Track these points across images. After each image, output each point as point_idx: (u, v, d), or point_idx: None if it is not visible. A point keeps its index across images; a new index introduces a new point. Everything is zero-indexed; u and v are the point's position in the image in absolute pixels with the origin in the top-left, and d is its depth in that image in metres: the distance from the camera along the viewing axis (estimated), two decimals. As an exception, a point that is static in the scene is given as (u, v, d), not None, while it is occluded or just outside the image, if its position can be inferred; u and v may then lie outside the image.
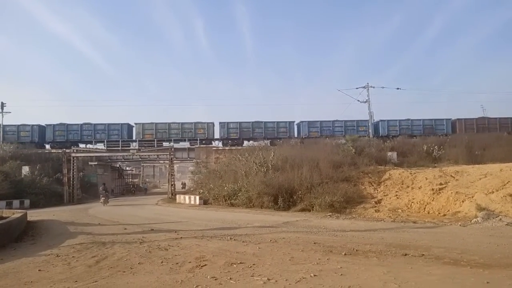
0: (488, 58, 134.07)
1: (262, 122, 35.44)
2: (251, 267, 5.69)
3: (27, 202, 23.63)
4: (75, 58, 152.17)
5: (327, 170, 17.77)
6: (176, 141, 35.24)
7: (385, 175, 17.96)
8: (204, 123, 35.37)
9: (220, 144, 35.19)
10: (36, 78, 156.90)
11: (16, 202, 22.67)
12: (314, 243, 7.63)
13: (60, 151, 31.63)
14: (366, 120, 35.42)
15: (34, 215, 15.43)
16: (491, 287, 4.36)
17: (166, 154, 32.65)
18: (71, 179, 29.12)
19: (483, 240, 7.61)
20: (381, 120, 35.62)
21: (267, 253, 6.77)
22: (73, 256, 7.06)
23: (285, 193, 16.19)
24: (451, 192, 13.39)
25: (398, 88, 41.27)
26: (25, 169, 27.98)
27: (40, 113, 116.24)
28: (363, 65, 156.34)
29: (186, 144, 35.10)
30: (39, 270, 6.00)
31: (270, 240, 8.16)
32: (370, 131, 34.13)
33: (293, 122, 36.03)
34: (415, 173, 17.49)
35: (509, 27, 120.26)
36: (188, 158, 36.25)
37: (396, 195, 15.54)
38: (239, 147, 32.99)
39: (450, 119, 35.78)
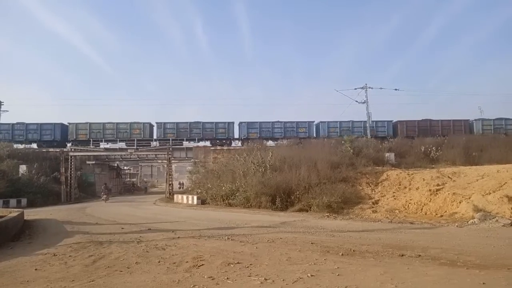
0: (486, 59, 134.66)
1: (200, 122, 34.94)
2: (248, 267, 5.70)
3: (24, 201, 23.57)
4: (73, 57, 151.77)
5: (325, 171, 17.80)
6: (111, 141, 34.68)
7: (383, 176, 18.01)
8: (141, 123, 34.64)
9: (157, 144, 34.24)
10: (34, 77, 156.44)
11: (13, 201, 22.62)
12: (312, 243, 7.65)
13: (57, 150, 31.55)
14: (306, 122, 35.33)
15: (31, 214, 15.38)
16: (487, 287, 4.38)
17: (164, 154, 32.64)
18: (69, 178, 29.09)
19: (479, 241, 7.64)
20: (321, 122, 35.47)
21: (264, 253, 6.78)
22: (70, 256, 7.05)
23: (283, 193, 16.21)
24: (448, 193, 13.43)
25: (396, 89, 41.57)
26: (23, 168, 27.89)
27: (37, 113, 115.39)
28: (362, 65, 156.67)
29: (122, 145, 34.39)
30: (36, 269, 5.99)
31: (268, 240, 8.16)
32: (368, 132, 34.17)
33: (232, 122, 35.37)
34: (412, 174, 17.55)
35: (507, 28, 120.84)
36: (186, 158, 36.23)
37: (394, 196, 15.58)
38: (231, 147, 33.13)
39: (391, 121, 35.78)
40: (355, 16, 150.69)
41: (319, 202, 14.65)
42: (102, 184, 33.49)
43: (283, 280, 4.87)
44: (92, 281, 5.14)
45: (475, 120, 35.80)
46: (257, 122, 35.34)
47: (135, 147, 33.59)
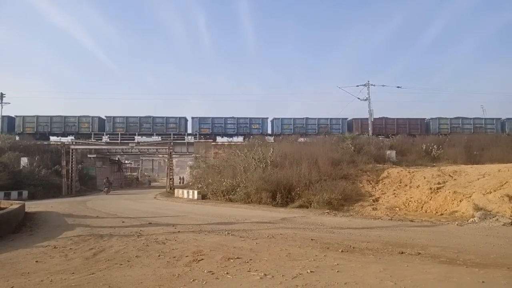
0: (489, 59, 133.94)
1: (150, 117, 34.51)
2: (248, 262, 5.70)
3: (25, 193, 23.66)
4: (75, 50, 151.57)
5: (325, 168, 17.79)
6: (58, 135, 34.32)
7: (384, 174, 18.00)
8: (89, 116, 34.12)
9: (107, 139, 33.91)
10: (35, 70, 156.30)
11: (14, 193, 22.70)
12: (311, 239, 7.65)
13: (59, 143, 31.60)
14: (259, 118, 35.03)
15: (32, 206, 15.44)
16: (486, 286, 4.38)
17: (165, 148, 32.67)
18: (70, 171, 29.17)
19: (479, 240, 7.64)
20: (275, 118, 35.26)
21: (264, 248, 6.79)
22: (70, 248, 7.08)
23: (283, 190, 16.21)
24: (449, 192, 13.42)
25: (398, 87, 41.13)
26: (24, 160, 27.99)
27: (36, 105, 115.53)
28: (365, 63, 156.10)
29: (70, 138, 33.71)
30: (37, 262, 6.01)
31: (268, 236, 8.17)
32: (370, 128, 34.10)
33: (184, 118, 35.03)
34: (413, 172, 17.52)
35: (510, 29, 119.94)
36: (187, 153, 36.26)
37: (394, 193, 15.58)
38: (232, 143, 33.09)
39: (346, 118, 35.58)
40: (358, 15, 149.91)
41: (319, 198, 14.65)
42: (104, 177, 34.07)
43: (282, 275, 4.87)
44: (92, 274, 5.16)
45: (431, 119, 35.55)
46: (209, 117, 34.93)
47: (135, 141, 33.60)
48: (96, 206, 17.43)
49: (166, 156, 34.33)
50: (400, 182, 16.60)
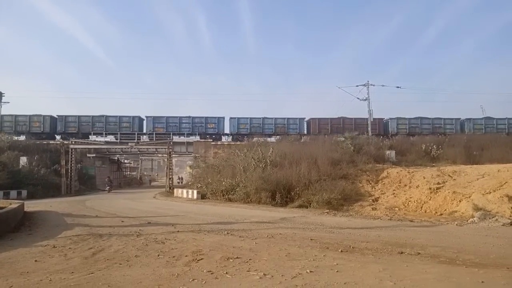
0: (489, 59, 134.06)
1: (103, 116, 33.29)
2: (247, 262, 5.70)
3: (24, 192, 23.61)
4: (75, 50, 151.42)
5: (325, 167, 17.79)
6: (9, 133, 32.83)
7: (383, 174, 18.00)
8: (41, 115, 32.91)
9: (59, 138, 33.10)
10: (34, 69, 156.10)
11: (13, 193, 22.64)
12: (311, 239, 7.65)
13: (58, 142, 31.55)
14: (216, 117, 34.19)
15: (31, 206, 15.41)
16: (486, 286, 4.38)
17: (165, 148, 32.64)
18: (69, 170, 29.13)
19: (479, 240, 7.64)
20: (231, 118, 34.58)
21: (263, 248, 6.78)
22: (69, 248, 7.06)
23: (283, 189, 16.21)
24: (448, 192, 13.43)
25: (398, 87, 41.14)
26: (23, 160, 27.92)
27: (33, 104, 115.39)
28: (365, 63, 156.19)
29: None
30: (36, 261, 6.00)
31: (267, 236, 8.17)
32: (369, 129, 34.08)
33: (138, 117, 34.19)
34: (413, 172, 17.53)
35: (510, 29, 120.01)
36: (187, 152, 36.21)
37: (394, 193, 15.58)
38: (232, 143, 32.78)
39: (303, 118, 35.25)
40: (358, 15, 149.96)
41: (319, 198, 14.65)
42: (104, 177, 34.37)
43: (282, 275, 4.87)
44: (92, 273, 5.15)
45: (390, 119, 35.27)
46: (164, 116, 34.15)
47: (135, 141, 33.57)
48: (95, 205, 17.41)
49: (166, 155, 34.29)
50: (400, 182, 16.61)
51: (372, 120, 34.73)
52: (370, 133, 33.18)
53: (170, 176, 30.73)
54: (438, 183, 14.91)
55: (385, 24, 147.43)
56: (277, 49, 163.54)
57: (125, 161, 54.59)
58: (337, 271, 5.06)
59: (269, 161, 19.20)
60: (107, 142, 34.21)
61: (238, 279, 4.79)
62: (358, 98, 35.48)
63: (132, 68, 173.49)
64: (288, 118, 34.82)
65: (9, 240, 8.11)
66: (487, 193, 12.34)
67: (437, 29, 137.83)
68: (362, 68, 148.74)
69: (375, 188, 16.78)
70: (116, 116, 33.74)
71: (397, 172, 17.75)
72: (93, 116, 33.69)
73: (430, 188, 14.37)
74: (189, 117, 34.25)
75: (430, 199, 13.69)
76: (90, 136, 33.45)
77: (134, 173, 58.19)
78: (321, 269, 5.17)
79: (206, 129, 33.96)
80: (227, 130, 34.52)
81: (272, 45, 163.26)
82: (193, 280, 4.74)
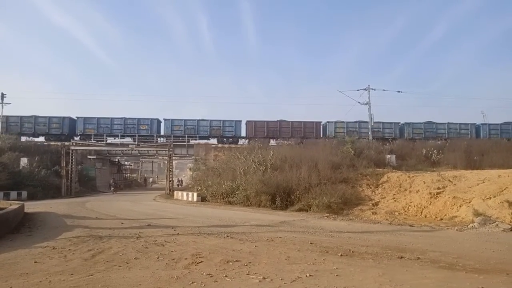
0: (490, 64, 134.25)
1: (32, 116, 33.26)
2: (247, 265, 5.70)
3: (24, 193, 23.59)
4: (77, 51, 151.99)
5: (325, 171, 17.79)
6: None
7: (383, 178, 17.98)
8: None
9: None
10: (36, 70, 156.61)
11: (13, 194, 22.62)
12: (311, 243, 7.64)
13: (59, 143, 31.58)
14: (148, 119, 34.19)
15: (31, 207, 15.42)
16: (485, 292, 4.38)
17: (165, 150, 32.66)
18: (69, 172, 29.11)
19: (479, 246, 7.62)
20: (165, 119, 34.57)
21: (263, 252, 6.78)
22: (69, 249, 7.06)
23: (283, 193, 16.19)
24: (449, 197, 13.40)
25: (399, 91, 41.08)
26: (24, 161, 27.94)
27: (37, 105, 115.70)
28: (366, 67, 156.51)
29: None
30: (35, 262, 6.01)
31: (267, 239, 8.16)
32: (370, 133, 34.10)
33: (68, 118, 33.92)
34: (413, 176, 17.51)
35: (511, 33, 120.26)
36: (187, 155, 36.22)
37: (394, 198, 15.56)
38: (238, 145, 32.84)
39: (240, 121, 34.88)
40: (359, 19, 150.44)
41: (319, 202, 14.63)
42: (103, 178, 34.49)
43: (281, 279, 4.87)
44: (91, 275, 5.15)
45: (328, 122, 35.11)
46: (94, 117, 34.04)
47: (136, 143, 33.60)
48: (95, 207, 17.40)
49: (166, 158, 34.30)
50: (400, 187, 16.59)
51: (373, 124, 34.76)
52: (370, 137, 33.20)
53: (170, 179, 30.72)
54: (439, 188, 14.88)
55: (386, 28, 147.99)
56: (278, 51, 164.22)
57: (126, 163, 54.61)
58: (336, 275, 5.05)
59: (270, 164, 19.20)
60: (107, 144, 34.26)
61: (237, 282, 4.79)
62: (359, 102, 35.55)
63: (133, 69, 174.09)
64: (224, 120, 34.70)
65: (9, 241, 8.11)
66: (488, 198, 12.31)
67: (439, 33, 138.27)
68: (364, 72, 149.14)
69: (375, 192, 16.76)
70: (46, 117, 33.68)
71: (398, 177, 17.73)
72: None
73: (430, 193, 14.34)
74: (121, 118, 34.08)
75: (430, 204, 13.66)
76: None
77: (135, 175, 58.18)
78: (321, 273, 5.16)
79: (139, 131, 33.73)
80: (163, 132, 34.40)
81: (274, 48, 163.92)
82: (192, 283, 4.74)
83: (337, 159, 20.45)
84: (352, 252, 6.75)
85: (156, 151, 37.70)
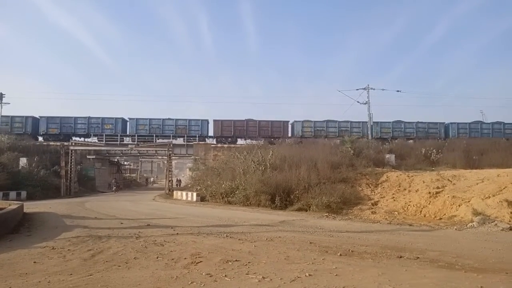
0: (490, 64, 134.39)
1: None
2: (246, 265, 5.70)
3: (23, 193, 23.57)
4: (76, 50, 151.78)
5: (325, 171, 17.79)
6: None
7: (383, 177, 17.99)
8: None
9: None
10: (35, 70, 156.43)
11: (12, 194, 22.61)
12: (310, 243, 7.65)
13: (58, 143, 31.53)
14: (113, 118, 33.96)
15: (30, 207, 15.40)
16: (484, 291, 4.38)
17: (165, 150, 32.63)
18: (69, 172, 29.08)
19: (478, 245, 7.64)
20: (130, 118, 34.63)
21: (262, 251, 6.78)
22: (68, 249, 7.06)
23: (282, 192, 16.20)
24: (448, 196, 13.41)
25: (398, 91, 41.01)
26: (23, 161, 27.89)
27: (37, 105, 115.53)
28: (366, 67, 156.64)
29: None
30: (34, 262, 6.00)
31: (266, 239, 8.17)
32: (369, 132, 34.11)
33: (31, 117, 33.66)
34: (412, 176, 17.52)
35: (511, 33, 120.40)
36: (187, 155, 36.19)
37: (393, 197, 15.57)
38: (232, 145, 32.78)
39: (206, 120, 35.12)
40: (360, 19, 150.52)
41: (318, 202, 14.63)
42: (102, 178, 34.54)
43: (280, 279, 4.87)
44: (90, 275, 5.15)
45: (296, 121, 35.00)
46: (58, 117, 33.99)
47: (135, 143, 33.55)
48: (94, 207, 17.39)
49: (165, 157, 34.28)
50: (399, 186, 16.60)
51: (370, 124, 34.78)
52: (370, 137, 33.23)
53: (170, 178, 30.70)
54: (438, 187, 14.89)
55: (387, 28, 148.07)
56: (279, 51, 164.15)
57: (125, 163, 54.52)
58: (336, 275, 5.06)
59: (269, 164, 19.20)
60: (106, 144, 34.21)
61: (237, 282, 4.79)
62: (358, 102, 35.58)
63: (133, 69, 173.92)
64: (190, 120, 34.64)
65: (8, 241, 8.10)
66: (487, 197, 12.33)
67: (439, 34, 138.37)
68: (364, 72, 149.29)
69: (374, 192, 16.77)
70: (8, 116, 33.85)
71: (397, 176, 17.75)
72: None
73: (429, 192, 14.36)
74: (85, 117, 33.93)
75: (429, 203, 13.68)
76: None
77: (134, 175, 58.11)
78: (320, 273, 5.17)
79: (103, 130, 33.62)
80: (128, 131, 34.33)
81: (274, 48, 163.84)
82: (192, 282, 4.74)
83: (336, 158, 20.46)
84: (352, 251, 6.76)
85: (156, 151, 37.65)
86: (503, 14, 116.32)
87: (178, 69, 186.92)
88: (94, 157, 36.34)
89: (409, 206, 14.13)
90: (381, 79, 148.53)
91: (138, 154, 45.55)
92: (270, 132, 34.28)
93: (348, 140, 25.61)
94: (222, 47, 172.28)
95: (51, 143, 32.73)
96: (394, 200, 15.25)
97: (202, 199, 20.87)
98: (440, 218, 12.43)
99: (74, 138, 33.58)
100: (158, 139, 33.99)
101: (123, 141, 34.08)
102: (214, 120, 34.77)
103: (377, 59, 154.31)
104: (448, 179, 16.03)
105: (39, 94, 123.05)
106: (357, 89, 35.84)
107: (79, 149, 32.19)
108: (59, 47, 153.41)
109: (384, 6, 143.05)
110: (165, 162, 37.25)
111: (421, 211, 13.53)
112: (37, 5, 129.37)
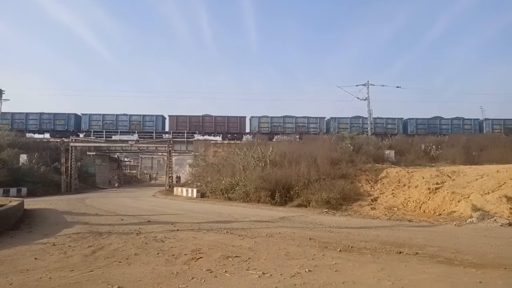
0: (490, 59, 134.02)
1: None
2: (246, 261, 5.72)
3: (24, 190, 23.61)
4: (77, 47, 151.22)
5: (324, 167, 17.81)
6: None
7: (382, 173, 18.01)
8: None
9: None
10: (35, 66, 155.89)
11: (13, 190, 22.65)
12: (310, 238, 7.68)
13: (58, 140, 31.51)
14: (65, 114, 33.52)
15: (31, 203, 15.44)
16: (483, 286, 4.41)
17: (165, 146, 32.62)
18: (69, 168, 29.09)
19: (477, 240, 7.67)
20: (83, 114, 34.26)
21: (262, 247, 6.81)
22: (69, 245, 7.08)
23: (282, 188, 16.23)
24: (447, 192, 13.44)
25: (398, 87, 41.07)
26: (23, 157, 27.88)
27: (37, 101, 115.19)
28: (366, 63, 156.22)
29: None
30: (35, 259, 6.02)
31: (266, 235, 8.19)
32: (369, 128, 34.08)
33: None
34: (412, 172, 17.54)
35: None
36: (187, 151, 36.16)
37: (393, 193, 15.60)
38: (231, 142, 32.78)
39: (161, 116, 34.90)
40: (360, 15, 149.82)
41: (318, 198, 14.67)
42: (103, 175, 34.56)
43: (280, 274, 4.89)
44: (91, 271, 5.17)
45: (252, 117, 34.72)
46: (9, 112, 33.53)
47: (135, 139, 33.52)
48: (95, 203, 17.42)
49: (166, 154, 34.27)
50: (399, 182, 16.62)
51: (370, 120, 34.73)
52: (370, 133, 33.19)
53: (170, 175, 30.73)
54: (437, 183, 14.92)
55: (387, 24, 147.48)
56: (279, 48, 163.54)
57: (125, 159, 54.54)
58: (335, 271, 5.08)
59: (269, 160, 19.21)
60: (107, 140, 34.14)
61: (237, 278, 4.81)
62: (358, 98, 35.49)
63: (133, 65, 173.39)
64: (144, 115, 34.40)
65: (9, 237, 8.13)
66: (486, 193, 12.35)
67: (439, 30, 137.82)
68: (364, 68, 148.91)
69: (374, 188, 16.80)
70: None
71: (396, 172, 17.76)
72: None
73: (429, 188, 14.38)
74: (36, 113, 33.57)
75: (429, 199, 13.71)
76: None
77: (134, 171, 58.18)
78: (320, 268, 5.19)
79: (55, 126, 33.23)
80: (82, 127, 33.90)
81: (274, 45, 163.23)
82: (192, 278, 4.76)
83: (336, 154, 20.47)
84: (351, 247, 6.79)
85: (156, 147, 37.63)
86: (503, 11, 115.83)
87: (179, 66, 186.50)
88: (94, 153, 36.34)
89: (408, 202, 14.16)
90: (381, 75, 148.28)
91: (138, 151, 45.55)
92: (227, 127, 34.12)
93: (348, 136, 25.59)
94: (223, 44, 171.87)
95: (51, 139, 32.69)
96: (394, 196, 15.28)
97: (202, 195, 20.91)
98: (440, 214, 12.47)
99: (34, 134, 33.37)
100: (112, 135, 33.62)
101: (77, 136, 33.69)
102: (170, 116, 34.58)
103: (377, 55, 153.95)
104: (448, 175, 16.05)
105: (38, 90, 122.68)
106: (357, 85, 35.76)
107: (79, 146, 32.17)
108: (59, 43, 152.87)
109: (384, 2, 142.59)
110: (165, 158, 37.25)
111: (420, 207, 13.57)
112: (38, 0, 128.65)
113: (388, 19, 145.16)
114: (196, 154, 33.29)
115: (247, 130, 34.84)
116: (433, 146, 25.31)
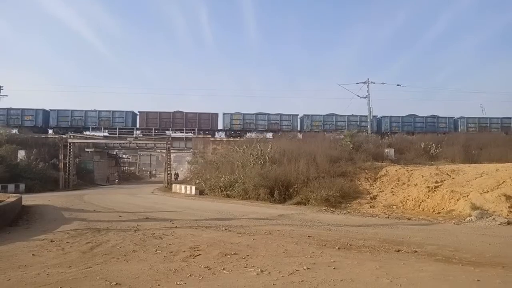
0: (491, 58, 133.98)
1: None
2: (244, 258, 5.71)
3: (22, 186, 23.59)
4: (76, 44, 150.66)
5: (324, 165, 17.80)
6: None
7: (382, 171, 18.01)
8: None
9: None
10: (33, 62, 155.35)
11: (11, 186, 22.63)
12: (308, 236, 7.67)
13: (57, 136, 31.44)
14: (34, 109, 33.21)
15: (29, 199, 15.40)
16: (481, 285, 4.40)
17: (164, 143, 32.59)
18: (67, 165, 29.07)
19: (475, 239, 7.67)
20: (51, 110, 33.79)
21: (261, 245, 6.80)
22: (67, 242, 7.06)
23: (281, 186, 16.22)
24: (447, 191, 13.44)
25: (398, 85, 40.85)
26: (21, 153, 27.86)
27: (34, 98, 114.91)
28: (367, 61, 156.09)
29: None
30: (33, 255, 6.01)
31: (265, 232, 8.18)
32: (369, 126, 34.07)
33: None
34: (411, 170, 17.54)
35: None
36: (186, 148, 36.15)
37: (392, 191, 15.60)
38: (230, 139, 32.71)
39: (131, 112, 34.61)
40: (361, 14, 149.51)
41: (317, 195, 14.66)
42: (101, 171, 34.56)
43: (279, 272, 4.88)
44: (89, 267, 5.16)
45: (224, 114, 34.70)
46: None
47: (134, 136, 33.46)
48: (93, 200, 17.40)
49: (164, 151, 34.23)
50: (398, 180, 16.62)
51: (370, 118, 34.71)
52: (369, 131, 33.18)
53: (169, 172, 30.73)
54: (437, 182, 14.92)
55: (388, 22, 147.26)
56: (279, 46, 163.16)
57: (124, 156, 54.47)
58: (334, 268, 5.07)
59: (268, 158, 19.19)
60: (105, 137, 34.08)
61: (235, 275, 4.80)
62: (358, 96, 35.48)
63: (132, 62, 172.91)
64: (114, 111, 34.17)
65: (7, 233, 8.10)
66: (485, 192, 12.35)
67: (440, 28, 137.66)
68: (364, 66, 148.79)
69: (373, 186, 16.80)
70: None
71: (396, 170, 17.76)
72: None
73: (428, 187, 14.38)
74: (5, 109, 33.37)
75: (428, 198, 13.71)
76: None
77: (133, 168, 58.12)
78: (318, 266, 5.18)
79: (23, 122, 32.96)
80: (51, 123, 33.67)
81: (274, 43, 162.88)
82: (190, 275, 4.74)
83: (335, 152, 20.46)
84: (350, 245, 6.78)
85: (154, 144, 37.59)
86: (503, 9, 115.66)
87: (179, 64, 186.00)
88: (92, 150, 36.31)
89: (407, 200, 14.16)
90: (381, 73, 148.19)
91: (137, 148, 45.49)
92: (198, 124, 34.10)
93: (347, 134, 25.57)
94: (222, 42, 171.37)
95: (50, 135, 32.62)
96: (393, 194, 15.28)
97: (201, 192, 20.89)
98: (439, 212, 12.47)
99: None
100: (82, 131, 33.51)
101: (47, 132, 33.53)
102: (140, 112, 34.47)
103: (378, 53, 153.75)
104: (447, 174, 16.05)
105: (36, 87, 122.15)
106: (357, 83, 35.73)
107: (77, 142, 32.12)
108: (57, 40, 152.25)
109: (385, 0, 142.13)
110: (164, 155, 37.22)
111: (419, 205, 13.57)
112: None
113: (389, 17, 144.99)
114: (195, 151, 33.27)
115: (220, 127, 34.72)
116: (433, 145, 25.33)
